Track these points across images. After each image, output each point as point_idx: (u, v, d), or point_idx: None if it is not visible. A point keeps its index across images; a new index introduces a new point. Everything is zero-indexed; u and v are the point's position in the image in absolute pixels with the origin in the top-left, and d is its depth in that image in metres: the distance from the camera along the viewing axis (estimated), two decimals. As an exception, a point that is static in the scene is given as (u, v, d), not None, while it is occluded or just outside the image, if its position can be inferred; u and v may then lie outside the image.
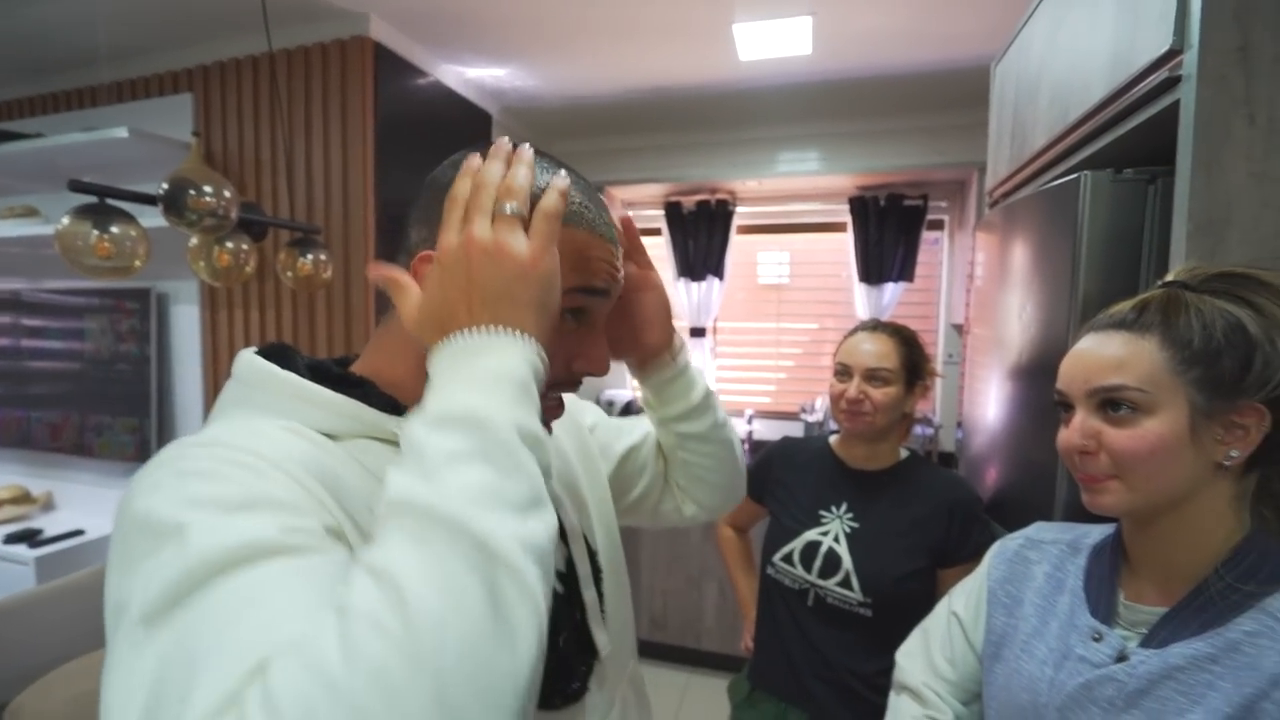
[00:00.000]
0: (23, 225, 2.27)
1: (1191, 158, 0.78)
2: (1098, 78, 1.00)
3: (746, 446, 2.99)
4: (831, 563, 1.11)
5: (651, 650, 2.77)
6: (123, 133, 1.94)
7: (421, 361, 0.44)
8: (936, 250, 2.89)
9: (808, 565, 1.13)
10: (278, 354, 0.51)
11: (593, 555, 0.65)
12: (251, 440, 0.41)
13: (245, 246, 1.51)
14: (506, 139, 0.49)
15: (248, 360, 0.49)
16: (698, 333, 3.03)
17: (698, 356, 3.03)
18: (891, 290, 2.76)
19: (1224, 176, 0.77)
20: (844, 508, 1.15)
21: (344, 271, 2.02)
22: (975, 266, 1.51)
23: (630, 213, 3.18)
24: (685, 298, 3.03)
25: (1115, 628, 0.64)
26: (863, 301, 2.79)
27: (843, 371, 1.16)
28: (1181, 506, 0.60)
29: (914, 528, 1.10)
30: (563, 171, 0.48)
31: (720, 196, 2.94)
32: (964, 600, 0.81)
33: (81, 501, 2.56)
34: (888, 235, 2.73)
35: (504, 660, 0.31)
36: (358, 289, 2.03)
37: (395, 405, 0.50)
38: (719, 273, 2.96)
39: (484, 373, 0.39)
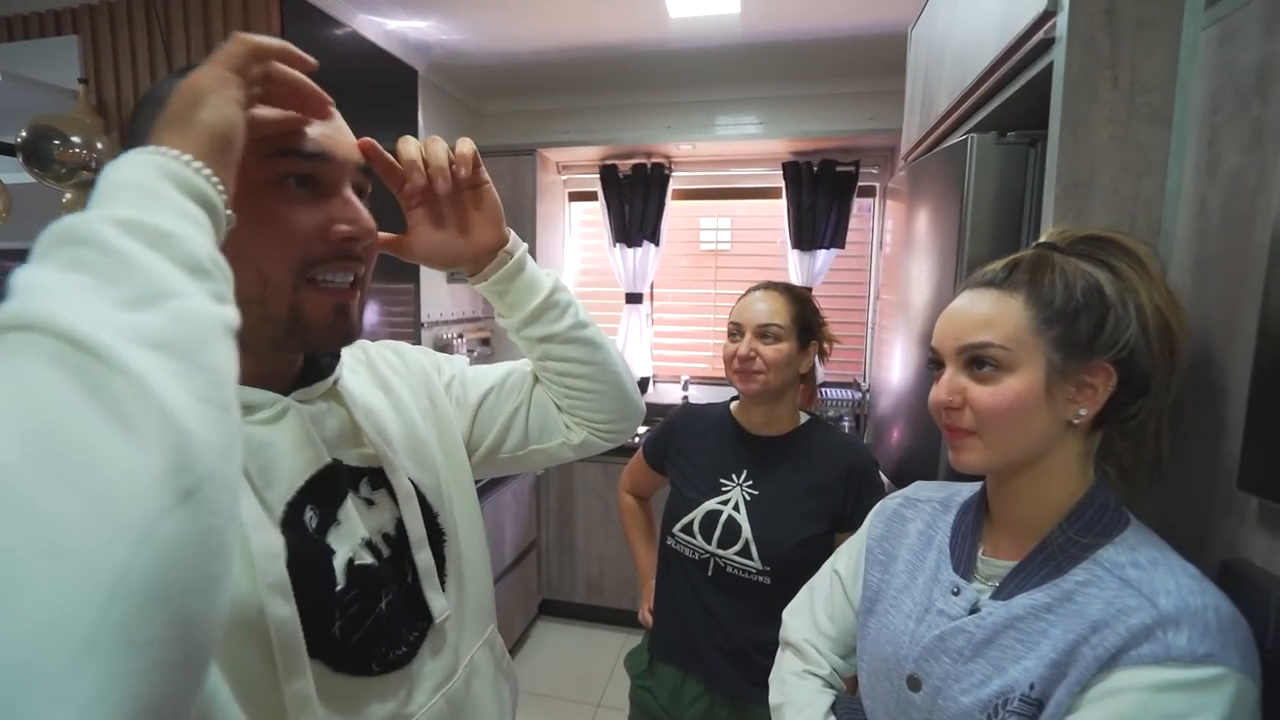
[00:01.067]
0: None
1: (1060, 120, 0.80)
2: (989, 41, 1.01)
3: (683, 412, 3.03)
4: (731, 532, 1.10)
5: (590, 613, 2.82)
6: (-4, 77, 1.77)
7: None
8: (868, 217, 2.94)
9: (707, 535, 1.12)
10: None
11: (433, 517, 0.64)
12: None
13: (130, 203, 1.40)
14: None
15: None
16: (634, 299, 3.01)
17: (633, 323, 3.02)
18: (824, 257, 2.80)
19: (1089, 139, 0.79)
20: (744, 475, 1.14)
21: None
22: (884, 233, 1.54)
23: (565, 177, 3.12)
24: (621, 263, 3.00)
25: (973, 581, 0.67)
26: (796, 268, 2.82)
27: (735, 331, 1.15)
28: (1036, 463, 0.62)
29: (811, 493, 1.09)
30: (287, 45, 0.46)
31: (656, 160, 2.91)
32: (845, 558, 0.84)
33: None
34: (820, 201, 2.75)
35: (107, 445, 0.25)
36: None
37: None
38: (655, 238, 2.94)
39: (94, 196, 0.35)
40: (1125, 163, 0.80)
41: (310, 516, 0.53)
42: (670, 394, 3.12)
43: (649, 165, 2.90)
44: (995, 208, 0.96)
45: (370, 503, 0.59)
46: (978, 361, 0.62)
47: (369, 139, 0.59)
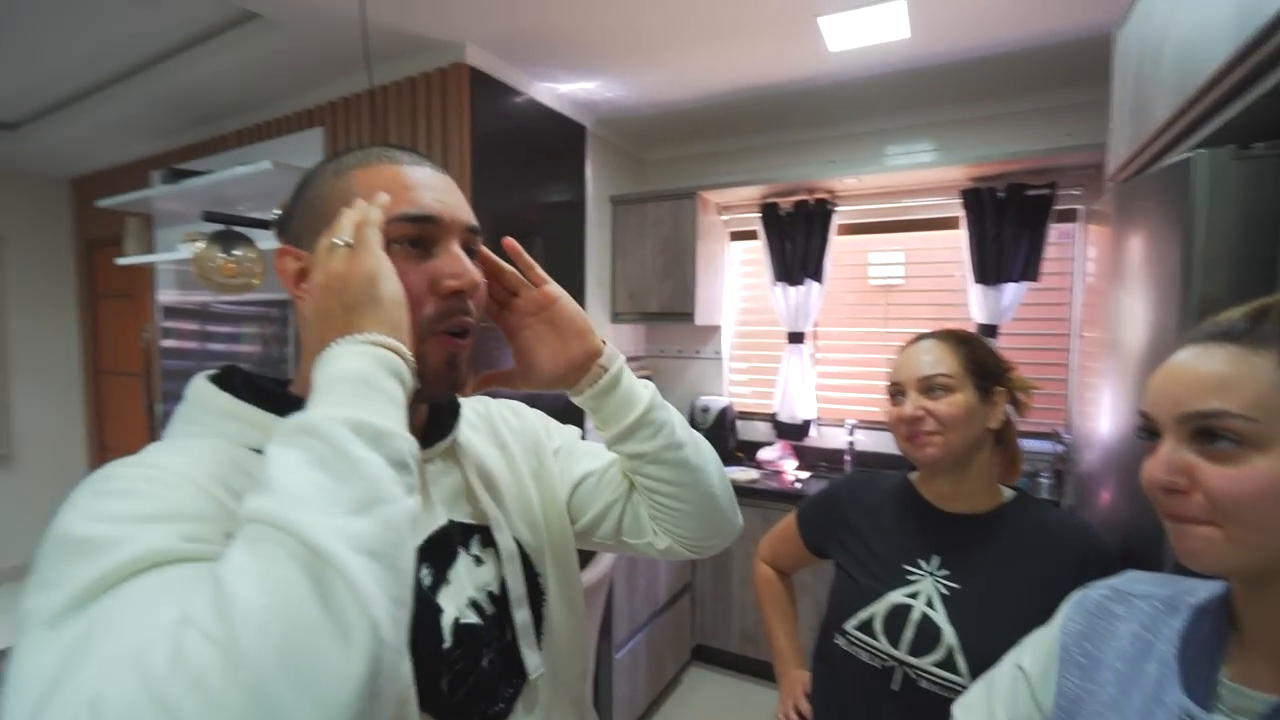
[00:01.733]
0: (194, 248, 2.66)
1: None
2: (1223, 35, 0.83)
3: (848, 458, 2.83)
4: (927, 635, 0.88)
5: (744, 664, 2.70)
6: (267, 165, 2.22)
7: None
8: (1069, 245, 2.56)
9: (894, 637, 0.90)
10: (224, 376, 0.57)
11: (534, 576, 0.65)
12: (173, 458, 0.46)
13: (347, 262, 1.66)
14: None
15: (195, 383, 0.56)
16: (795, 339, 2.91)
17: (794, 364, 2.91)
18: (1013, 291, 2.49)
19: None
20: (936, 562, 0.93)
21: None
22: (1087, 262, 1.32)
23: (726, 217, 3.14)
24: (782, 302, 2.92)
25: (1214, 713, 0.53)
26: (979, 304, 2.54)
27: (896, 393, 0.97)
28: None
29: (1035, 589, 0.85)
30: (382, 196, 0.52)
31: (819, 196, 2.81)
32: (1032, 654, 0.70)
33: (239, 486, 2.94)
34: (1008, 230, 2.46)
35: (333, 656, 0.32)
36: (455, 298, 2.17)
37: None
38: (818, 276, 2.83)
39: (322, 385, 0.42)
40: None
41: (425, 575, 0.56)
42: (834, 438, 2.94)
43: (811, 201, 2.81)
44: (1235, 234, 0.78)
45: (479, 560, 0.61)
46: (1208, 434, 0.49)
47: (512, 240, 0.65)
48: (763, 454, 2.91)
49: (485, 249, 0.62)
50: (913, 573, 0.94)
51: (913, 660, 0.88)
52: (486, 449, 0.68)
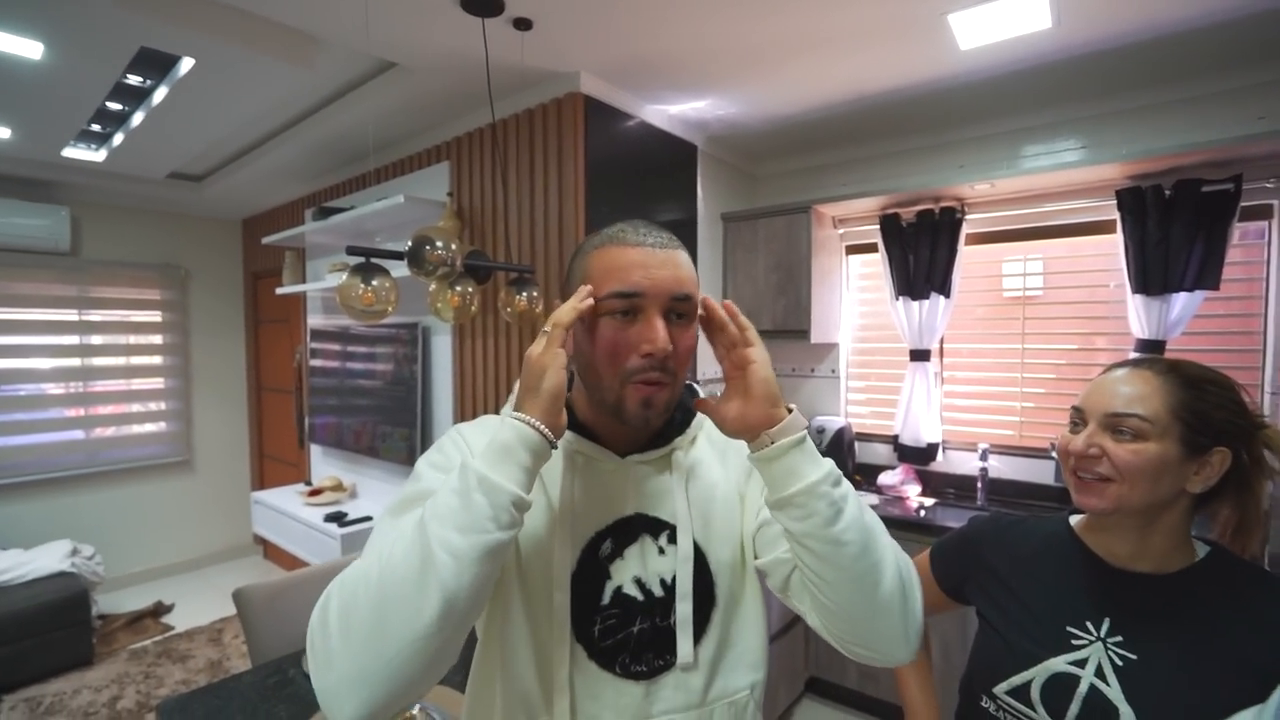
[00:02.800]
0: (340, 277, 2.93)
1: None
2: None
3: (980, 485, 2.59)
4: (1100, 713, 0.76)
5: (861, 702, 2.53)
6: (400, 200, 2.41)
7: (582, 388, 0.76)
8: (1260, 247, 2.21)
9: (1055, 710, 0.79)
10: None
11: (708, 582, 0.75)
12: (476, 432, 0.75)
13: (470, 289, 1.75)
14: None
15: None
16: (919, 356, 2.72)
17: (919, 382, 2.72)
18: (1184, 301, 2.17)
19: None
20: (1106, 627, 0.80)
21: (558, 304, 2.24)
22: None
23: (842, 230, 3.01)
24: (905, 318, 2.75)
25: None
26: (1139, 316, 2.24)
27: (1076, 420, 0.84)
28: None
29: (1237, 668, 0.72)
30: (588, 289, 0.69)
31: (946, 204, 2.62)
32: None
33: (374, 493, 3.19)
34: (1176, 232, 2.16)
35: (417, 597, 0.56)
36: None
37: (574, 421, 0.76)
38: (945, 290, 2.63)
39: (489, 443, 0.63)
40: None
41: (606, 547, 0.73)
42: (965, 463, 2.71)
43: (937, 210, 2.63)
44: None
45: (662, 551, 0.74)
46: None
47: (731, 304, 0.73)
48: (883, 478, 2.74)
49: (714, 304, 0.72)
50: (1079, 637, 0.81)
51: None
52: (710, 462, 0.81)
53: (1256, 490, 0.80)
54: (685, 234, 2.73)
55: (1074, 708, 0.78)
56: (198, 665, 2.97)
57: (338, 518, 2.87)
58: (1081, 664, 0.79)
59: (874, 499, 2.62)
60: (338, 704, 0.55)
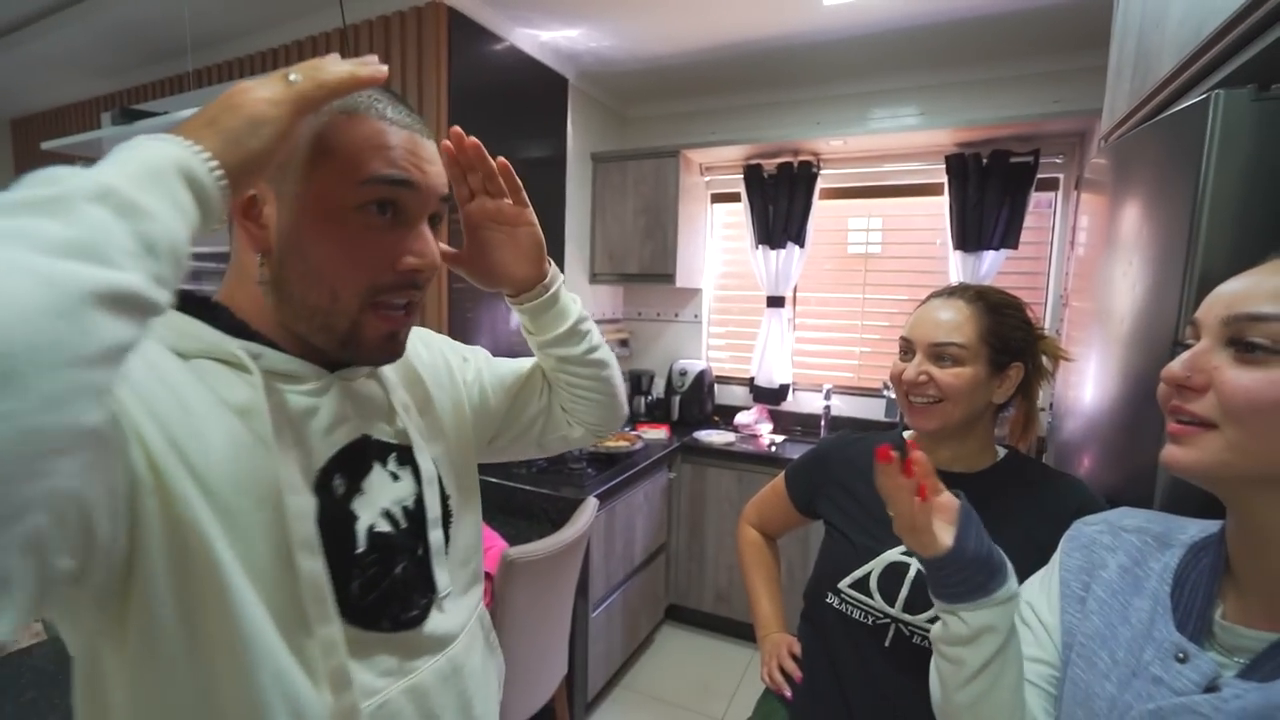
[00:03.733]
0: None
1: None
2: (1240, -20, 0.81)
3: (824, 423, 2.86)
4: (924, 592, 0.86)
5: (717, 624, 2.74)
6: (226, 105, 2.08)
7: (257, 290, 0.55)
8: (1048, 214, 2.59)
9: (889, 595, 0.90)
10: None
11: (445, 498, 0.68)
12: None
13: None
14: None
15: None
16: (775, 302, 2.90)
17: (774, 328, 2.91)
18: (992, 259, 2.51)
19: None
20: None
21: (418, 235, 2.08)
22: (1077, 232, 1.32)
23: (708, 178, 3.08)
24: (763, 266, 2.90)
25: (1207, 649, 0.53)
26: (958, 271, 2.55)
27: (905, 349, 0.94)
28: None
29: (1030, 545, 0.83)
30: (375, 60, 0.50)
31: (803, 158, 2.78)
32: (1034, 591, 0.70)
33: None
34: (989, 197, 2.47)
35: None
36: (431, 252, 2.08)
37: (244, 329, 0.55)
38: (800, 240, 2.81)
39: (115, 153, 0.37)
40: None
41: (338, 483, 0.57)
42: (811, 403, 2.96)
43: (795, 164, 2.78)
44: (1247, 183, 0.77)
45: (395, 476, 0.63)
46: (1248, 344, 0.48)
47: (505, 161, 0.70)
48: (740, 418, 2.92)
49: (462, 134, 0.67)
50: None
51: (908, 617, 0.89)
52: (421, 376, 0.73)
53: (1036, 391, 0.97)
54: (554, 171, 2.65)
55: (904, 591, 0.89)
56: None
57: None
58: (911, 553, 0.90)
59: (732, 437, 2.79)
60: None
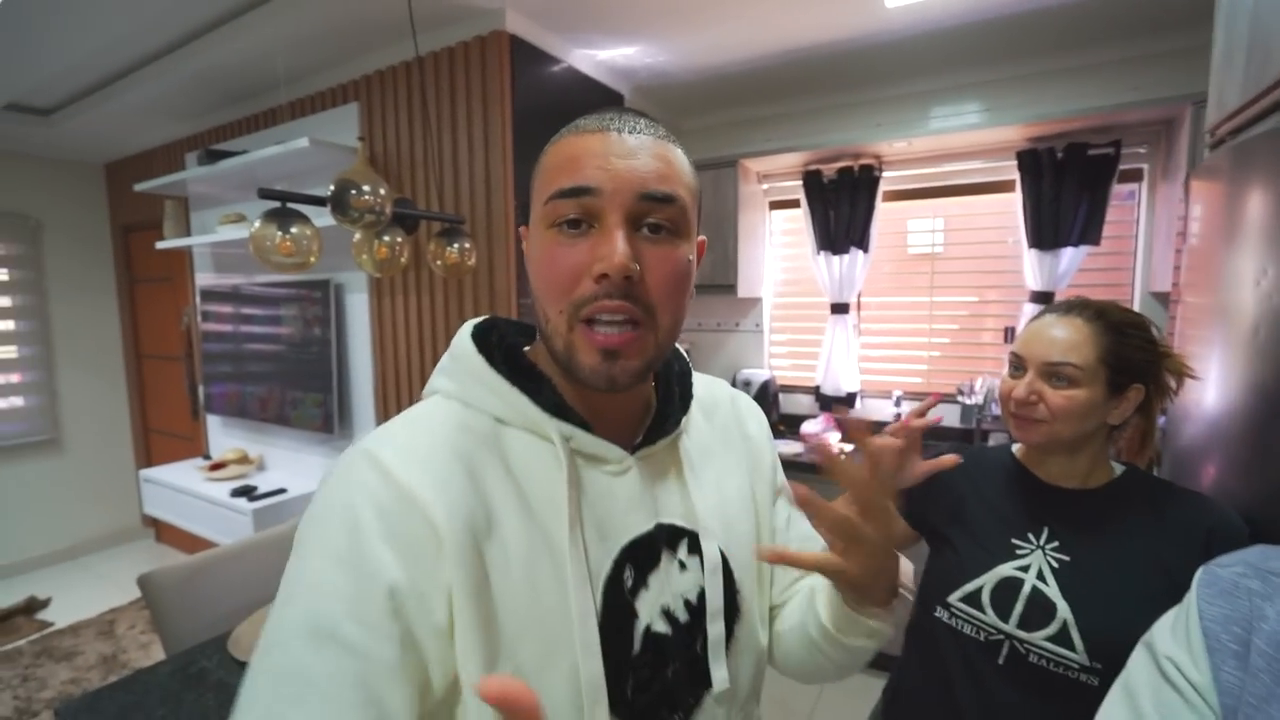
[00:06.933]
0: (235, 229, 2.66)
1: None
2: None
3: (894, 431, 2.78)
4: (1039, 609, 0.84)
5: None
6: (304, 143, 2.19)
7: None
8: (1131, 207, 2.46)
9: (1003, 611, 0.87)
10: (487, 329, 0.60)
11: (734, 592, 0.61)
12: (408, 465, 0.48)
13: (399, 239, 1.63)
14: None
15: (462, 336, 0.59)
16: (839, 309, 2.84)
17: (839, 335, 2.85)
18: (1071, 255, 2.40)
19: None
20: (1045, 535, 0.89)
21: (487, 257, 2.14)
22: (1189, 222, 1.25)
23: (766, 185, 3.06)
24: (826, 272, 2.85)
25: None
26: (1034, 270, 2.45)
27: (1015, 364, 0.92)
28: None
29: (1154, 565, 0.81)
30: None
31: (864, 162, 2.72)
32: (1171, 643, 0.62)
33: (285, 463, 2.98)
34: (1066, 192, 2.36)
35: None
36: (500, 272, 2.14)
37: (561, 406, 0.55)
38: (863, 244, 2.75)
39: None
40: None
41: (627, 576, 0.54)
42: (880, 410, 2.89)
43: (856, 168, 2.72)
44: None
45: (683, 566, 0.58)
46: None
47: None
48: (806, 427, 2.87)
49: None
50: (1021, 546, 0.90)
51: (1023, 634, 0.85)
52: (711, 444, 0.66)
53: (1156, 411, 0.92)
54: (614, 187, 2.68)
55: (1019, 606, 0.86)
56: (88, 662, 2.70)
57: (246, 492, 2.67)
58: (1025, 569, 0.88)
59: (798, 447, 2.75)
60: None
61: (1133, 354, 0.87)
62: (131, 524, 4.07)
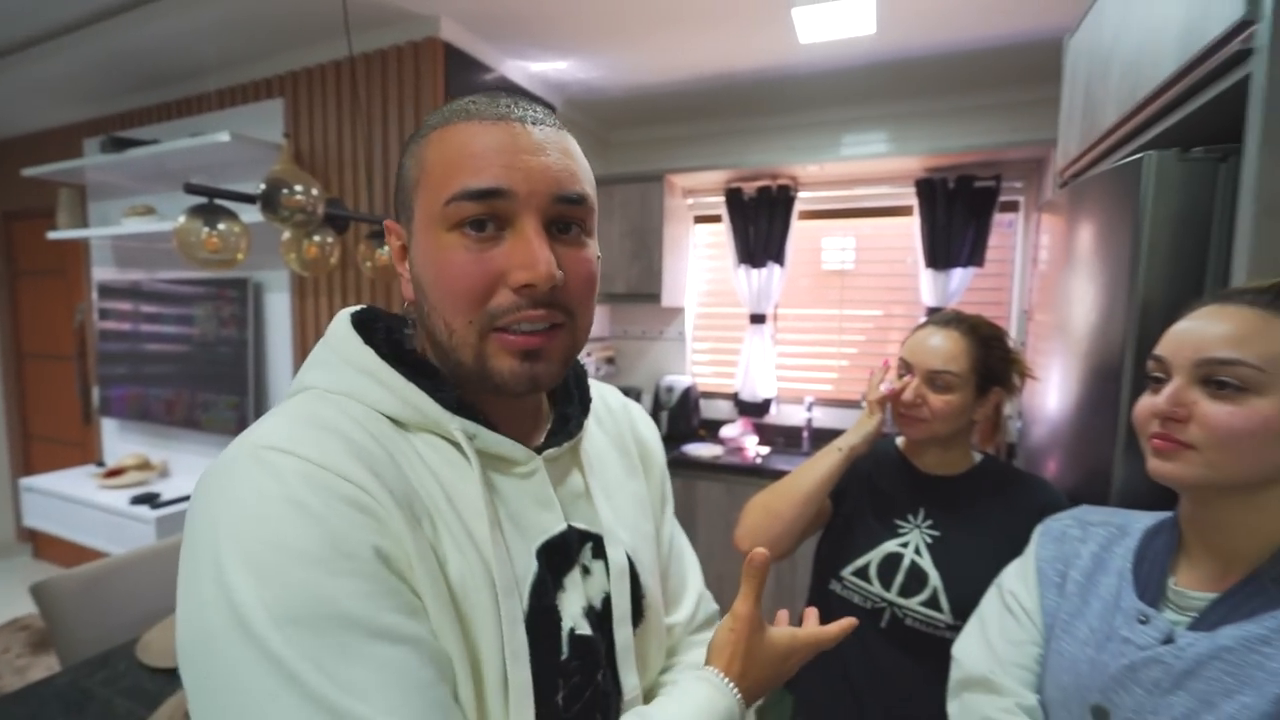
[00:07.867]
0: (142, 222, 2.53)
1: (1260, 135, 0.74)
2: (1169, 51, 0.95)
3: (806, 434, 2.98)
4: (915, 579, 1.00)
5: (707, 631, 2.82)
6: (225, 137, 2.13)
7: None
8: (1010, 233, 2.77)
9: (886, 581, 1.02)
10: (367, 319, 0.54)
11: (639, 596, 0.59)
12: (315, 455, 0.41)
13: (330, 239, 1.64)
14: None
15: (341, 326, 0.52)
16: (758, 319, 3.02)
17: (756, 344, 3.03)
18: (960, 276, 2.67)
19: (1297, 155, 0.73)
20: (921, 516, 1.05)
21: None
22: (1039, 250, 1.46)
23: (690, 201, 3.20)
24: (745, 284, 3.03)
25: (1163, 611, 0.65)
26: (929, 287, 2.71)
27: (904, 370, 1.06)
28: (1257, 492, 0.60)
29: (1004, 537, 0.95)
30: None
31: (781, 182, 2.92)
32: (1013, 580, 0.81)
33: (193, 469, 2.85)
34: (956, 218, 2.63)
35: None
36: (430, 278, 2.15)
37: (461, 403, 0.50)
38: (780, 259, 2.94)
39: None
40: (1342, 178, 0.73)
41: (545, 580, 0.51)
42: (793, 415, 3.08)
43: (774, 187, 2.91)
44: (1176, 229, 0.90)
45: (587, 571, 0.56)
46: (1217, 381, 0.60)
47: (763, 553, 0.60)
48: (725, 431, 3.02)
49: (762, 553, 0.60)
50: (902, 526, 1.06)
51: (901, 601, 1.00)
52: (608, 450, 0.65)
53: (1004, 405, 1.10)
54: (545, 196, 2.74)
55: (899, 578, 1.01)
56: (-43, 683, 2.47)
57: (148, 499, 2.53)
58: (905, 545, 1.03)
59: (718, 450, 2.90)
60: None
61: (996, 363, 1.04)
62: (3, 538, 3.73)
